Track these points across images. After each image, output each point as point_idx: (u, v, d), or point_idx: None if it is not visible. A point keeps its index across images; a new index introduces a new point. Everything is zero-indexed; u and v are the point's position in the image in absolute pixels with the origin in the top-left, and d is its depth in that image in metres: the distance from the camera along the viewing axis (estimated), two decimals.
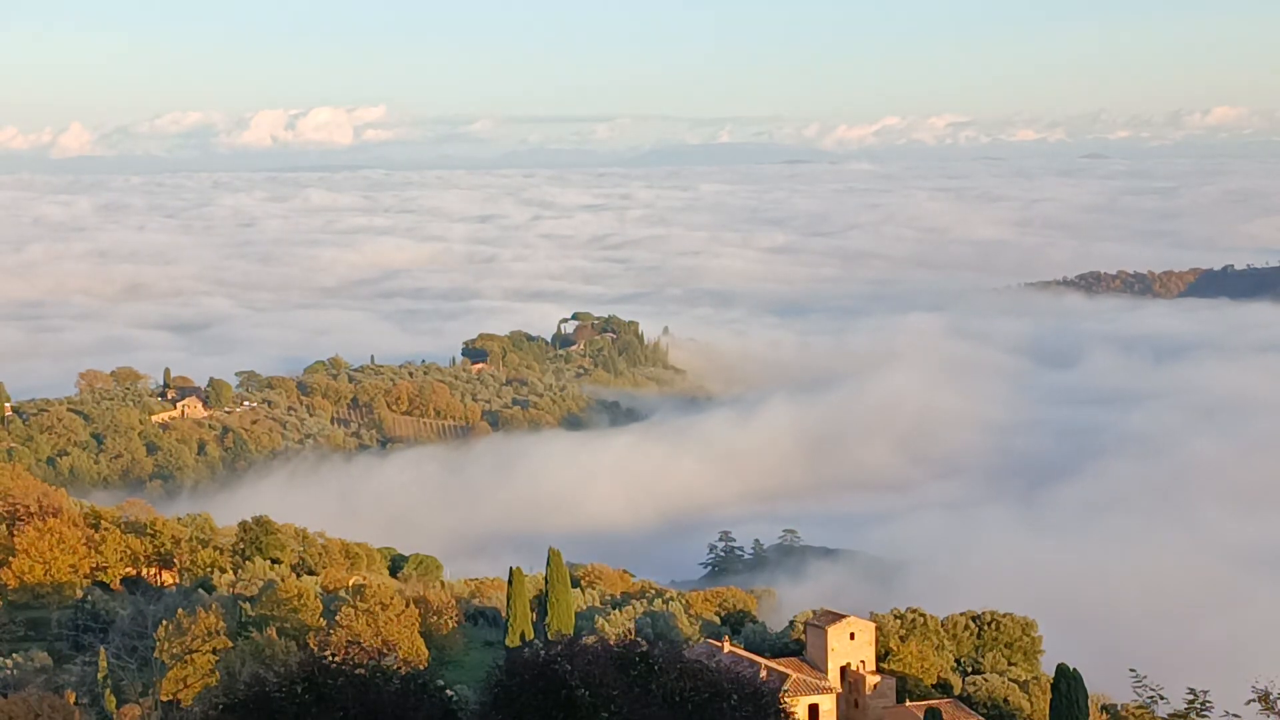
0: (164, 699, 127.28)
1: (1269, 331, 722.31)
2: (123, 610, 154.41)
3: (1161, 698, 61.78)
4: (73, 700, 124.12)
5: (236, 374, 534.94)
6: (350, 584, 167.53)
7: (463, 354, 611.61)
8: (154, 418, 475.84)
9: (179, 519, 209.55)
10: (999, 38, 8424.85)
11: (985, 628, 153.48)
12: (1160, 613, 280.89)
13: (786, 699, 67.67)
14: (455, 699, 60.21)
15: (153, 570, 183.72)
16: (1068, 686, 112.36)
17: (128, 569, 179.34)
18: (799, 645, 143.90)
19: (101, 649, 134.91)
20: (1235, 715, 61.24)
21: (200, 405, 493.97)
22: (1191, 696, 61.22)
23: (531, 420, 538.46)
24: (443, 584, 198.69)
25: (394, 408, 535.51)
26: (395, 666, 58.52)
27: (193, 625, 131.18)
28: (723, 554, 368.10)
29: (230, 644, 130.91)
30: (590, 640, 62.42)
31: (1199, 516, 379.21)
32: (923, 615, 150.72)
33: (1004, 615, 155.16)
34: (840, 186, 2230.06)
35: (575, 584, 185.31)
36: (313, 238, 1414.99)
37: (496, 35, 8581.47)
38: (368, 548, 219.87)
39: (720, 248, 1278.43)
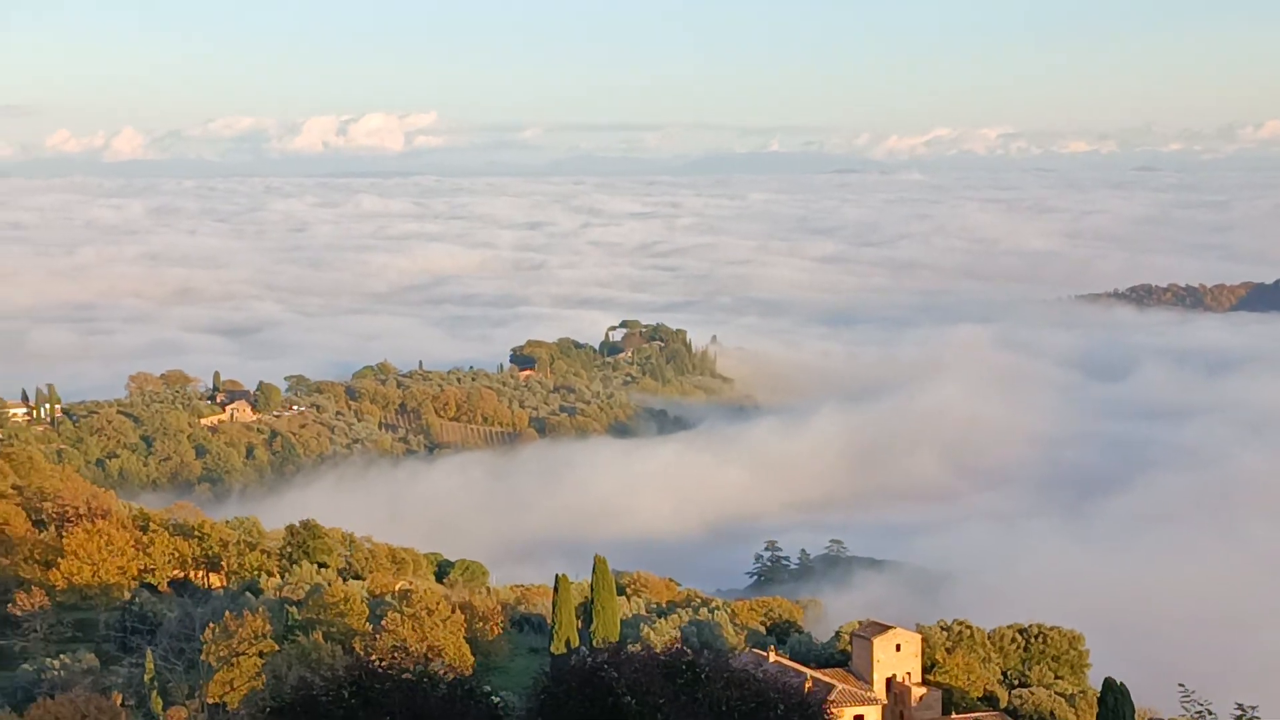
0: (210, 701, 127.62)
1: None
2: (170, 612, 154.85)
3: (1209, 713, 61.33)
4: (119, 702, 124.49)
5: (285, 378, 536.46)
6: (396, 589, 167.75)
7: (511, 360, 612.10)
8: (203, 421, 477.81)
9: (227, 522, 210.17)
10: (1051, 49, 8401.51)
11: (1032, 640, 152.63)
12: (1209, 626, 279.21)
13: (832, 710, 67.51)
14: (501, 705, 60.25)
15: (200, 573, 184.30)
16: (1115, 700, 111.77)
17: (176, 571, 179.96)
18: (844, 656, 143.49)
19: (148, 651, 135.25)
20: None
21: (249, 409, 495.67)
22: (1240, 711, 60.79)
23: (579, 427, 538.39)
24: (488, 590, 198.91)
25: (442, 414, 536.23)
26: (442, 672, 58.62)
27: (239, 628, 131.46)
28: (769, 563, 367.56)
29: (276, 647, 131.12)
30: (636, 648, 62.41)
31: (1249, 530, 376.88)
32: (969, 627, 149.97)
33: (1051, 628, 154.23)
34: (890, 196, 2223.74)
35: (621, 592, 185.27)
36: (363, 243, 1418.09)
37: (548, 43, 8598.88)
38: (414, 553, 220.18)
39: (769, 257, 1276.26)
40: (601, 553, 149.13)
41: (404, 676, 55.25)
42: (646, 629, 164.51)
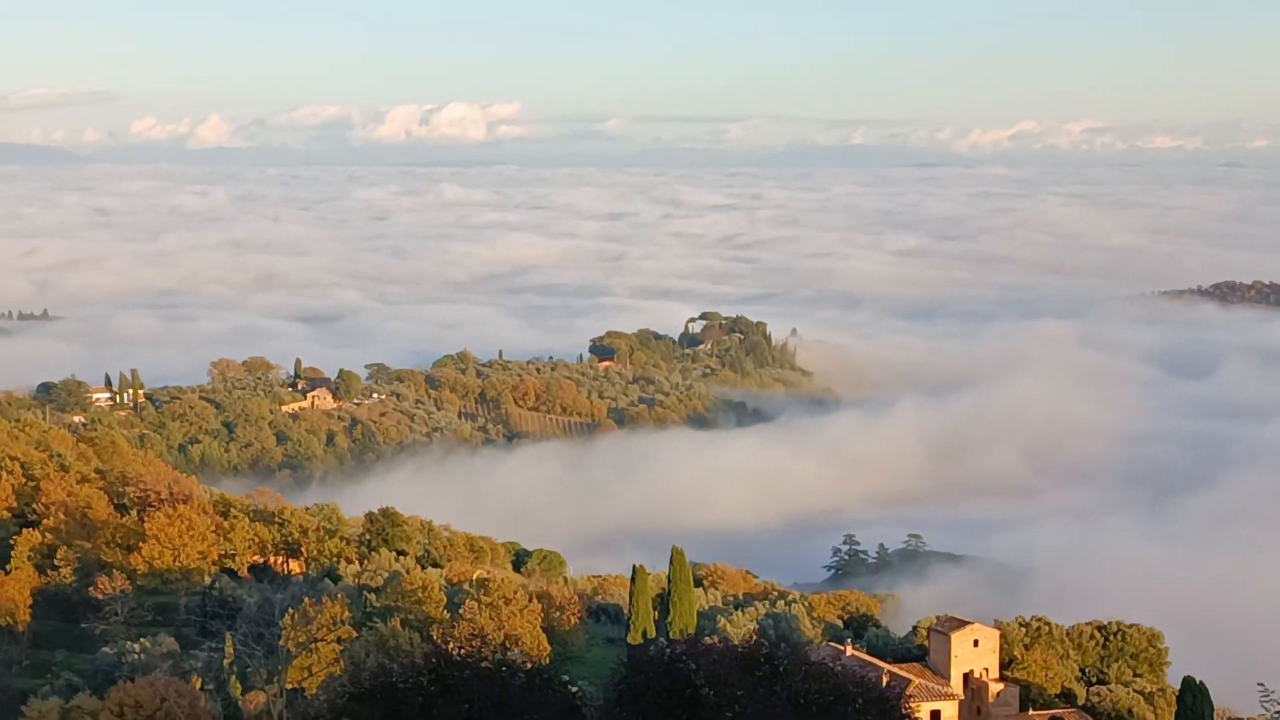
0: (289, 687, 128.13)
1: None
2: (249, 598, 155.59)
3: None
4: (199, 686, 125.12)
5: (366, 366, 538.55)
6: (474, 577, 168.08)
7: (590, 351, 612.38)
8: (284, 408, 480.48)
9: (307, 508, 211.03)
10: (1138, 44, 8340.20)
11: (1111, 638, 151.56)
12: None
13: (909, 704, 67.25)
14: (579, 694, 60.29)
15: (280, 559, 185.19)
16: (1193, 699, 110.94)
17: (255, 557, 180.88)
18: (922, 651, 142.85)
19: (228, 635, 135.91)
20: None
21: (330, 396, 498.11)
22: None
23: (657, 418, 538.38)
24: (565, 580, 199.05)
25: (521, 403, 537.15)
26: (520, 661, 58.69)
27: (318, 614, 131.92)
28: (846, 557, 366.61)
29: (355, 634, 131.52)
30: (713, 640, 62.28)
31: None
32: (1047, 624, 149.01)
33: (1130, 626, 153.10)
34: (974, 190, 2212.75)
35: (698, 583, 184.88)
36: (445, 232, 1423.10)
37: (632, 34, 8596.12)
38: (492, 541, 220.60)
39: (850, 250, 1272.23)
40: (679, 544, 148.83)
41: (483, 665, 55.38)
42: (723, 621, 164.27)
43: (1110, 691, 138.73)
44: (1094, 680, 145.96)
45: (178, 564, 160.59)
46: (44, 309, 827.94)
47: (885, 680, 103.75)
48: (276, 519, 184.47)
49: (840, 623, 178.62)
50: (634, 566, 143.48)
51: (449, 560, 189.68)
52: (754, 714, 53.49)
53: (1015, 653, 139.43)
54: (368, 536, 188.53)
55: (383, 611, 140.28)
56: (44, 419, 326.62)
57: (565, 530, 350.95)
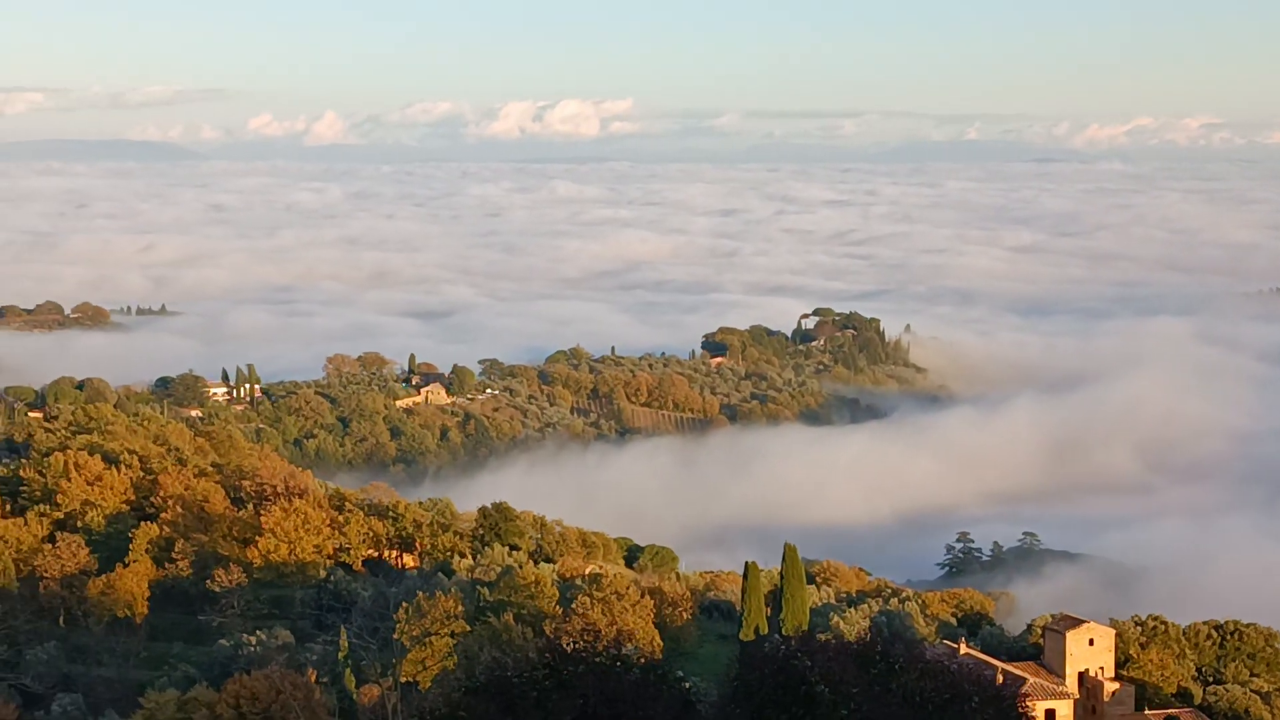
0: (403, 680, 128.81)
1: None
2: (364, 591, 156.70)
3: None
4: (314, 678, 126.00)
5: (479, 361, 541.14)
6: (586, 573, 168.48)
7: (702, 347, 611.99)
8: (398, 403, 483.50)
9: (420, 503, 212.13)
10: (1255, 38, 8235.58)
11: (1228, 637, 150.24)
12: None
13: (1025, 703, 66.79)
14: (693, 690, 60.21)
15: (394, 553, 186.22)
16: None
17: (370, 551, 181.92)
18: (1036, 649, 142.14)
19: (343, 629, 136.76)
20: None
21: (443, 391, 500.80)
22: None
23: (769, 415, 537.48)
24: (678, 576, 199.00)
25: (633, 399, 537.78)
26: (634, 657, 58.65)
27: (432, 608, 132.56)
28: (960, 555, 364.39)
29: (468, 628, 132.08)
30: (825, 638, 62.01)
31: None
32: (1163, 623, 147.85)
33: (1247, 625, 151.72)
34: (1090, 186, 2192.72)
35: (810, 580, 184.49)
36: (557, 229, 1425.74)
37: (744, 29, 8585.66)
38: (604, 537, 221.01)
39: (965, 246, 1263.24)
40: (791, 540, 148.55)
41: (597, 660, 55.36)
42: (836, 618, 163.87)
43: (1227, 691, 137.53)
44: (1210, 680, 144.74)
45: (293, 557, 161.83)
46: (162, 304, 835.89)
47: (1000, 679, 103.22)
48: (391, 513, 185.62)
49: (954, 621, 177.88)
50: (746, 563, 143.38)
51: (561, 555, 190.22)
52: (870, 711, 53.23)
53: (1131, 651, 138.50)
54: (481, 531, 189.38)
55: (496, 606, 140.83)
56: (162, 413, 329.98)
57: (677, 526, 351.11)
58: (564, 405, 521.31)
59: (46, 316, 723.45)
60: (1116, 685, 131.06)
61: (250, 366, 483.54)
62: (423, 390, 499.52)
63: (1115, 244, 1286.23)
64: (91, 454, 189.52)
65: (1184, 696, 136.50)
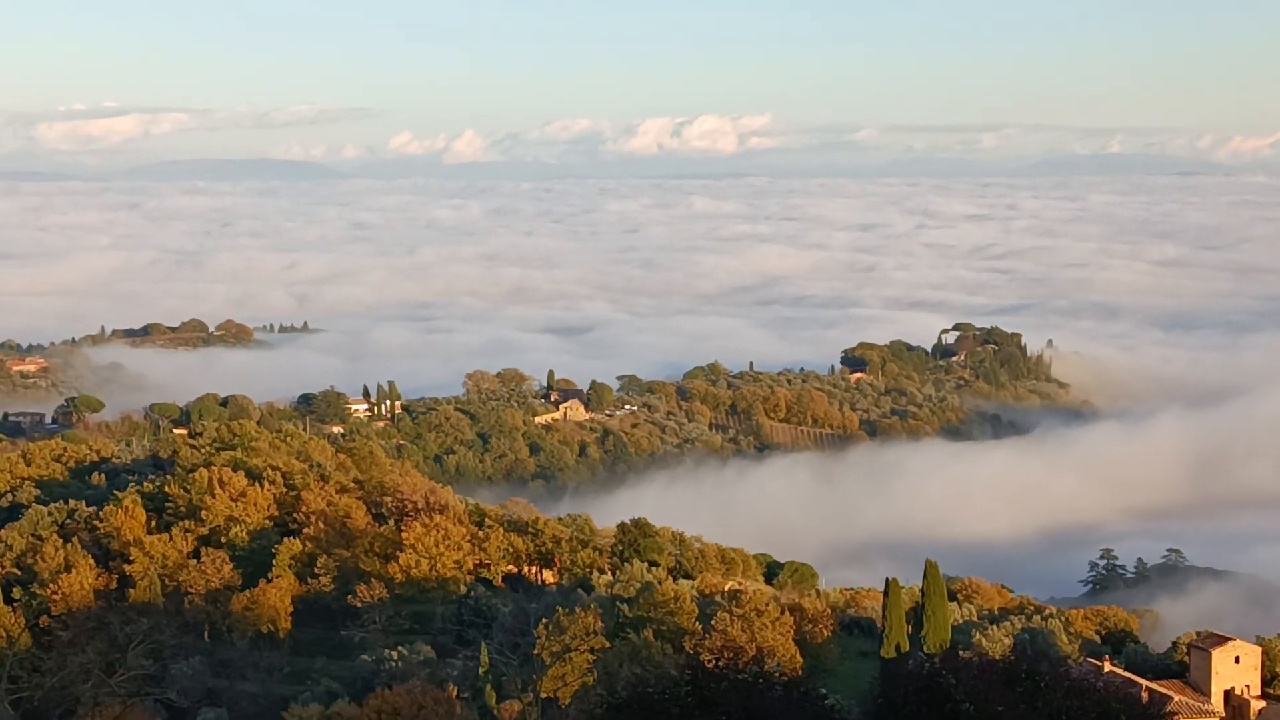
0: (543, 696, 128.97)
1: None
2: (504, 607, 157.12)
3: None
4: (455, 694, 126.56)
5: (618, 378, 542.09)
6: (726, 589, 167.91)
7: (842, 362, 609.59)
8: (537, 419, 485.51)
9: (560, 519, 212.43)
10: None
11: None
12: None
13: None
14: (835, 707, 59.68)
15: (533, 568, 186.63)
16: None
17: (509, 566, 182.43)
18: (1181, 667, 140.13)
19: (483, 644, 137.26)
20: None
21: (582, 408, 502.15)
22: None
23: (910, 430, 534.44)
24: (818, 592, 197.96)
25: (772, 415, 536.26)
26: (776, 674, 58.19)
27: (572, 624, 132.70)
28: (1103, 571, 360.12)
29: (608, 644, 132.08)
30: (968, 655, 61.32)
31: None
32: None
33: None
34: (1235, 199, 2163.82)
35: (952, 597, 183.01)
36: (695, 244, 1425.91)
37: (884, 43, 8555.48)
38: (743, 553, 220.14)
39: (1108, 260, 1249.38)
40: (931, 556, 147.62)
41: (739, 677, 54.98)
42: (978, 635, 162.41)
43: None
44: None
45: (434, 573, 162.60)
46: (304, 322, 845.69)
47: (1145, 697, 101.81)
48: (530, 529, 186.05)
49: (1098, 638, 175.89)
50: (887, 579, 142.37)
51: (700, 572, 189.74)
52: None
53: (1278, 669, 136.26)
54: (620, 547, 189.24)
55: (635, 622, 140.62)
56: (304, 430, 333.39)
57: (817, 542, 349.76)
58: (702, 421, 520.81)
59: (191, 334, 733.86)
60: (1263, 703, 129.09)
61: (391, 383, 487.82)
62: (561, 406, 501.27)
63: (1261, 257, 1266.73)
64: (235, 470, 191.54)
65: None
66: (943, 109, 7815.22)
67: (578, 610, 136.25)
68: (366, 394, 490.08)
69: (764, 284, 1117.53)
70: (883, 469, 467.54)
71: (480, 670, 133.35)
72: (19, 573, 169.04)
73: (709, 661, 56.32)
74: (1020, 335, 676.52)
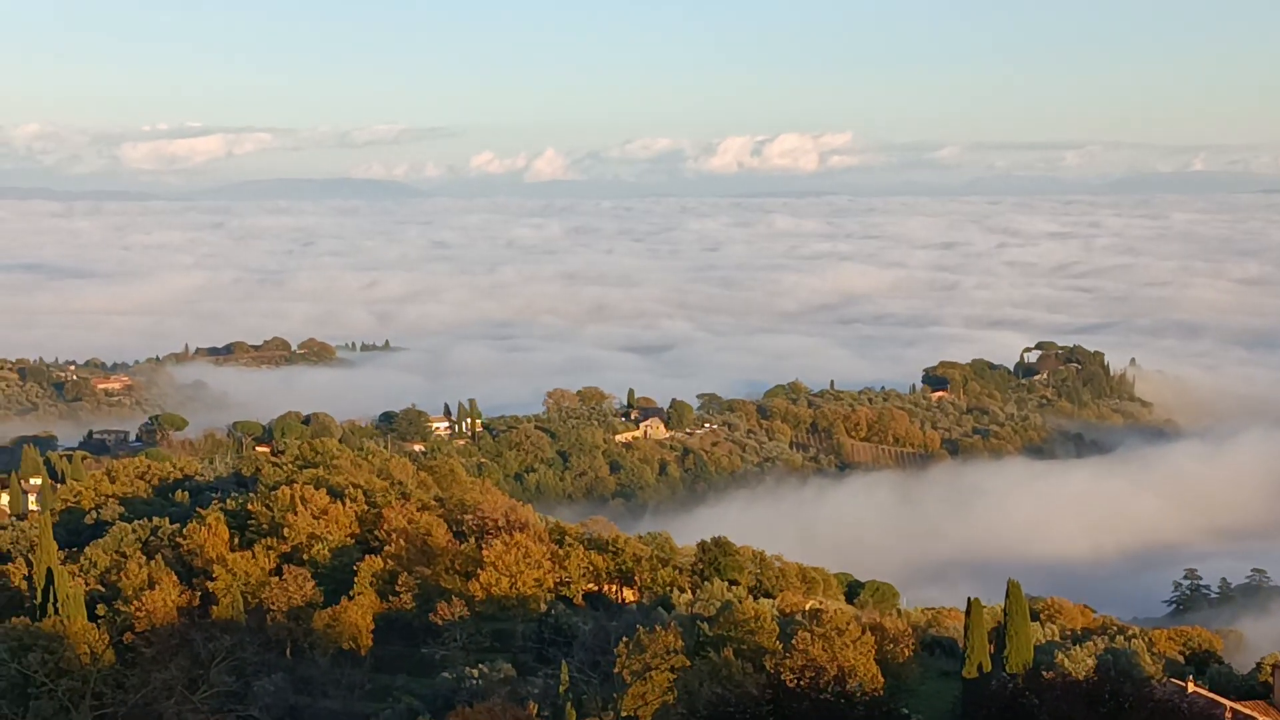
0: (624, 715, 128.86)
1: None
2: (584, 625, 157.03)
3: None
4: (535, 712, 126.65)
5: (698, 396, 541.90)
6: (807, 608, 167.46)
7: (923, 381, 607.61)
8: (617, 437, 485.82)
9: (640, 537, 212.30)
10: None
11: None
12: None
13: None
14: None
15: (613, 587, 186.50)
16: None
17: (590, 585, 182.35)
18: (1265, 688, 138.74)
19: (564, 662, 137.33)
20: None
21: (662, 426, 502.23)
22: None
23: (992, 450, 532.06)
24: (899, 611, 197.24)
25: (853, 434, 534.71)
26: (858, 693, 58.03)
27: (652, 643, 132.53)
28: (1187, 592, 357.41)
29: (688, 663, 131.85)
30: (1050, 676, 60.90)
31: None
32: None
33: None
34: None
35: (1034, 617, 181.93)
36: (775, 262, 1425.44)
37: (965, 61, 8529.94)
38: (824, 572, 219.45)
39: (1191, 278, 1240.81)
40: (1013, 576, 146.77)
41: (820, 696, 54.90)
42: (1061, 656, 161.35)
43: None
44: None
45: (514, 591, 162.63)
46: (385, 340, 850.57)
47: (1229, 718, 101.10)
48: (610, 547, 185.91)
49: (1181, 659, 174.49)
50: (969, 599, 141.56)
51: (781, 590, 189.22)
52: None
53: None
54: (700, 566, 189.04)
55: (715, 641, 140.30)
56: (385, 448, 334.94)
57: (898, 561, 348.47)
58: (783, 440, 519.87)
59: (274, 353, 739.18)
60: None
61: (472, 401, 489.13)
62: (641, 425, 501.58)
63: None
64: (317, 488, 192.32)
65: None
66: (1025, 127, 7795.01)
67: (658, 629, 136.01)
68: (447, 412, 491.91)
69: (844, 302, 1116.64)
70: (964, 488, 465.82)
71: (560, 688, 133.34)
72: (103, 589, 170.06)
73: (790, 681, 56.21)
74: (1103, 354, 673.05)
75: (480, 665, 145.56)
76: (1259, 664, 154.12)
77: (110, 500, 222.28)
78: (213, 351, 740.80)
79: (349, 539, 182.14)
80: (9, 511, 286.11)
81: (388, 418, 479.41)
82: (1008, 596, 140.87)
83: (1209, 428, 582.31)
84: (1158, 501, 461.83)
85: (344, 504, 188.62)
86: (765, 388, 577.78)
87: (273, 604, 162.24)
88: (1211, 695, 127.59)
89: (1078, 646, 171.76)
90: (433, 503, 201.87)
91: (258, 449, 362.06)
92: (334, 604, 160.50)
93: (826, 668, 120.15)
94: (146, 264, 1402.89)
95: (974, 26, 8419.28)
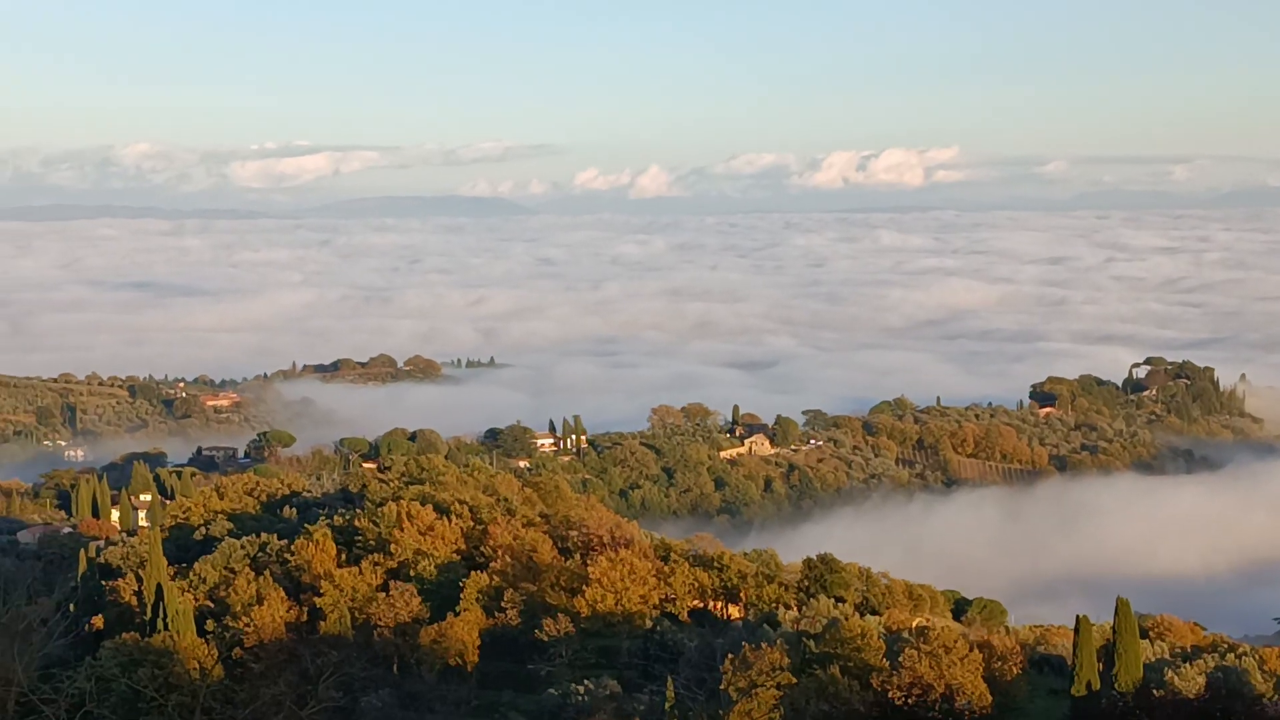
0: None
1: None
2: (690, 642, 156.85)
3: None
4: None
5: (803, 412, 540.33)
6: (913, 625, 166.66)
7: (1030, 397, 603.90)
8: (722, 454, 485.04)
9: (745, 554, 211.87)
10: None
11: None
12: None
13: None
14: None
15: (719, 603, 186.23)
16: None
17: (695, 601, 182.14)
18: None
19: (669, 679, 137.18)
20: None
21: (767, 442, 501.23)
22: None
23: (1100, 466, 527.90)
24: (1007, 629, 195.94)
25: (960, 450, 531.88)
26: (966, 712, 57.73)
27: (758, 660, 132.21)
28: None
29: (794, 680, 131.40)
30: (1160, 694, 60.32)
31: None
32: None
33: None
34: None
35: (1143, 634, 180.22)
36: (881, 278, 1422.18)
37: (1071, 75, 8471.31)
38: (930, 589, 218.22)
39: None
40: (1123, 593, 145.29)
41: (929, 714, 54.67)
42: (1170, 674, 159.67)
43: None
44: None
45: (620, 607, 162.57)
46: (491, 356, 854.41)
47: None
48: (715, 564, 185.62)
49: None
50: (1077, 617, 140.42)
51: (887, 608, 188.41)
52: None
53: None
54: (806, 583, 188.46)
55: (821, 658, 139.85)
56: (491, 464, 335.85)
57: (1006, 578, 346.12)
58: (889, 456, 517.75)
59: (380, 369, 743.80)
60: None
61: (576, 418, 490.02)
62: (747, 441, 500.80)
63: None
64: (423, 504, 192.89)
65: None
66: (1132, 141, 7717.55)
67: (764, 646, 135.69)
68: (552, 428, 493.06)
69: (950, 318, 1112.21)
70: (1072, 504, 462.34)
71: (666, 705, 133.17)
72: (212, 605, 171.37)
73: (897, 699, 55.89)
74: (1213, 369, 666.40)
75: (586, 681, 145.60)
76: None
77: (219, 516, 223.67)
78: (320, 368, 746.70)
79: (455, 555, 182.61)
80: (119, 527, 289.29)
81: (493, 434, 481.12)
82: (1116, 614, 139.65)
83: None
84: (1268, 518, 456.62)
85: (450, 520, 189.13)
86: (871, 404, 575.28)
87: (379, 620, 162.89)
88: None
89: (1187, 664, 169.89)
90: (538, 519, 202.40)
91: (364, 465, 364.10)
92: (440, 620, 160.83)
93: (934, 685, 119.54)
94: (254, 282, 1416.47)
95: (1081, 40, 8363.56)
